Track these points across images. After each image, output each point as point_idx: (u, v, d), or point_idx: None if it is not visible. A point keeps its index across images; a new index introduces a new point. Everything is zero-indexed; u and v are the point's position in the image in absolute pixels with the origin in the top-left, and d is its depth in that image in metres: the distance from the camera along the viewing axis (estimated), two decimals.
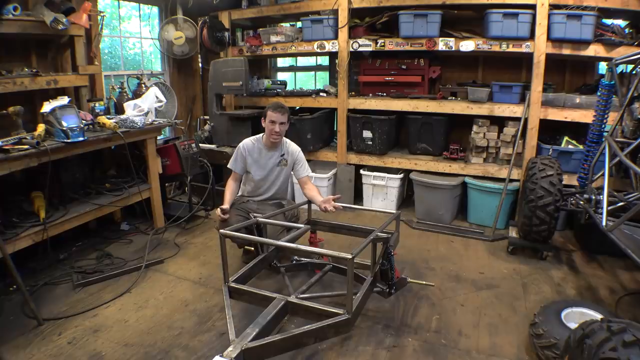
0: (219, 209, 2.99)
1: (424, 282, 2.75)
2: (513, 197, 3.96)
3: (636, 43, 3.42)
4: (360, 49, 4.30)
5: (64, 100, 3.10)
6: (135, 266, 3.17)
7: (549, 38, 3.56)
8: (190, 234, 3.92)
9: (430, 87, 4.59)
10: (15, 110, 2.84)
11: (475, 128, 4.09)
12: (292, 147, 3.28)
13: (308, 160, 4.90)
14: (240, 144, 3.20)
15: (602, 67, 4.22)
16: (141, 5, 4.79)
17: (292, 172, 3.33)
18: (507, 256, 3.44)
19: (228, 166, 3.24)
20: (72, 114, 2.95)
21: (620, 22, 3.73)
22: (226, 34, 4.78)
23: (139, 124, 3.43)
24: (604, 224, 2.51)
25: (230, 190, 3.17)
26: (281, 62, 6.16)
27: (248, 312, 2.47)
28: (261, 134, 3.23)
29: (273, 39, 4.73)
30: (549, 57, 3.65)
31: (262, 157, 3.19)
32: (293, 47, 4.62)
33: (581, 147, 3.62)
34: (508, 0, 3.59)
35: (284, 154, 3.23)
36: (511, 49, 3.72)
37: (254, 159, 3.18)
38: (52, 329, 2.45)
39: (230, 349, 1.71)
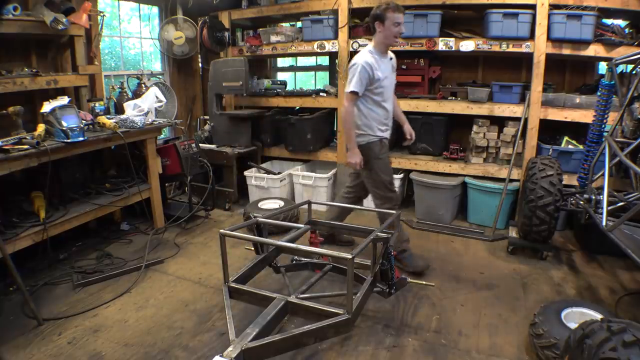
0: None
1: (424, 282, 2.75)
2: (513, 197, 3.96)
3: (636, 43, 3.42)
4: (360, 49, 4.29)
5: (64, 100, 3.10)
6: (135, 266, 3.17)
7: (549, 38, 3.56)
8: (190, 234, 3.93)
9: (430, 87, 4.58)
10: (15, 110, 2.84)
11: (475, 128, 4.09)
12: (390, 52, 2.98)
13: (307, 160, 4.95)
14: (360, 62, 2.75)
15: (602, 67, 4.21)
16: (141, 5, 4.79)
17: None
18: (507, 256, 3.44)
19: (353, 89, 2.77)
20: (72, 114, 2.95)
21: (620, 22, 3.73)
22: (226, 34, 4.79)
23: (139, 124, 3.43)
24: (604, 224, 2.51)
25: (355, 123, 2.87)
26: (281, 62, 6.16)
27: (248, 312, 2.47)
28: (366, 48, 2.86)
29: (273, 39, 4.73)
30: (549, 57, 3.65)
31: (383, 64, 2.87)
32: (293, 47, 4.62)
33: (581, 147, 3.62)
34: (508, 0, 3.60)
35: (391, 58, 3.00)
36: (511, 49, 3.72)
37: (380, 69, 2.83)
38: (52, 329, 2.45)
39: (230, 349, 1.71)
